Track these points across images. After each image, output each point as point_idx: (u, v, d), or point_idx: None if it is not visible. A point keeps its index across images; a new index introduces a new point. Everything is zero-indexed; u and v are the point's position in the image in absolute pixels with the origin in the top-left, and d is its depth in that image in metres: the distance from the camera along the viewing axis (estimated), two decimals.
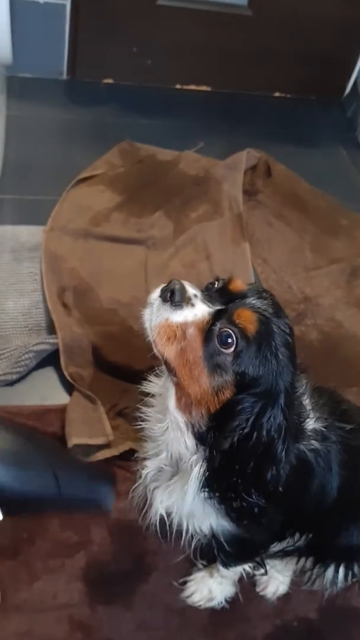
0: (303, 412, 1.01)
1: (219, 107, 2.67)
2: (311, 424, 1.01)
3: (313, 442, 1.01)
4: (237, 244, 2.06)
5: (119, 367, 1.58)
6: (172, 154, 2.33)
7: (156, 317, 0.87)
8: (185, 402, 0.91)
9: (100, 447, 1.43)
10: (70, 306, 1.69)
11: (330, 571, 1.24)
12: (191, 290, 0.88)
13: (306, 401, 1.03)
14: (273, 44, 2.64)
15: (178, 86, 2.70)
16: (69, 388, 1.55)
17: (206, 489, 0.95)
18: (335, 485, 1.06)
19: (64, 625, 1.21)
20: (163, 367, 0.93)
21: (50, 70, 2.55)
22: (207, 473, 0.93)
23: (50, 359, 1.60)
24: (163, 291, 0.87)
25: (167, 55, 2.58)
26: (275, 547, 1.17)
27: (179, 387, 0.91)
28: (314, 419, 1.02)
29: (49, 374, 1.60)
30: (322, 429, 1.02)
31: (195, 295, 0.88)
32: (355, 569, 1.25)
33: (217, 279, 0.94)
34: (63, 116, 2.45)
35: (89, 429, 1.44)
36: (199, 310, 0.87)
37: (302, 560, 1.26)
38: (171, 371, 0.90)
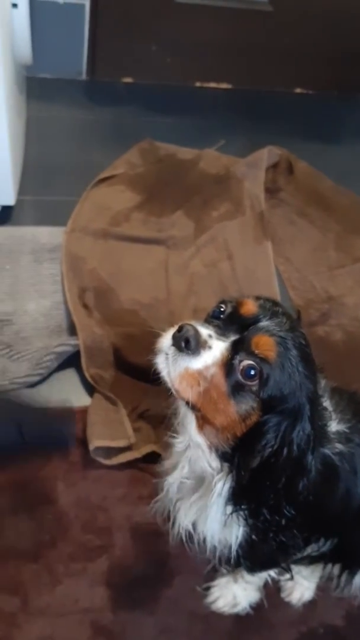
0: (326, 415, 0.98)
1: (239, 105, 2.65)
2: (334, 426, 0.99)
3: (337, 444, 0.98)
4: (259, 242, 2.03)
5: (140, 369, 1.56)
6: (193, 153, 2.31)
7: (174, 367, 0.82)
8: (209, 429, 0.88)
9: (121, 450, 1.42)
10: (90, 307, 1.68)
11: (358, 578, 1.22)
12: (205, 331, 0.84)
13: (327, 402, 1.00)
14: (294, 40, 2.62)
15: (198, 84, 2.69)
16: (90, 390, 1.54)
17: (232, 504, 0.93)
18: None
19: (86, 630, 1.20)
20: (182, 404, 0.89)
21: (69, 70, 2.56)
22: (234, 489, 0.91)
23: (72, 361, 1.58)
24: (176, 339, 0.82)
25: (187, 53, 2.57)
26: (301, 552, 1.14)
27: (202, 417, 0.88)
28: (337, 421, 1.00)
29: (70, 375, 1.59)
30: (346, 430, 1.00)
31: (210, 336, 0.84)
32: None
33: (224, 302, 0.90)
34: (83, 116, 2.45)
35: (111, 431, 1.42)
36: (217, 349, 0.84)
37: (329, 566, 1.23)
38: (194, 409, 0.87)
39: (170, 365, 0.82)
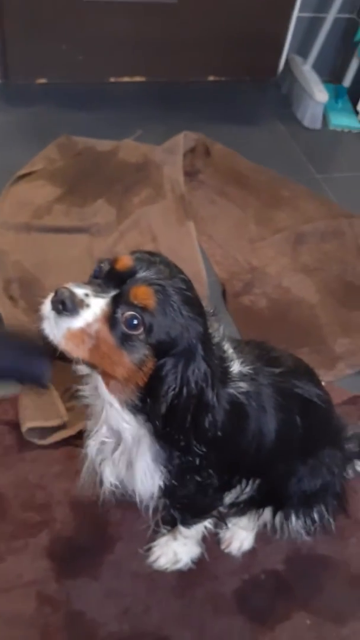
0: (225, 357, 1.02)
1: (154, 96, 2.71)
2: (237, 367, 1.03)
3: (241, 384, 1.02)
4: (182, 223, 2.09)
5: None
6: (111, 144, 2.36)
7: (57, 330, 0.86)
8: (114, 384, 0.92)
9: (55, 429, 1.45)
10: (16, 297, 1.70)
11: (291, 520, 1.27)
12: (80, 291, 0.86)
13: (226, 346, 1.04)
14: (201, 29, 2.69)
15: (112, 79, 2.73)
16: None
17: (149, 454, 0.97)
18: (272, 427, 1.08)
19: (32, 602, 1.22)
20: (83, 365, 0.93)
21: None
22: (149, 438, 0.96)
23: None
24: (54, 303, 0.85)
25: (98, 49, 2.61)
26: (228, 497, 1.19)
27: (104, 374, 0.92)
28: (240, 363, 1.04)
29: None
30: (250, 371, 1.04)
31: (87, 295, 0.86)
32: (314, 514, 1.28)
33: (102, 262, 0.93)
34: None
35: (43, 413, 1.45)
36: (96, 307, 0.86)
37: (262, 511, 1.28)
38: (92, 366, 0.91)
39: (54, 328, 0.86)
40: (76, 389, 1.53)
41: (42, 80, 2.64)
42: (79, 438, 1.46)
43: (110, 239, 1.96)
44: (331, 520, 1.28)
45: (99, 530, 1.34)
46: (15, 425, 1.46)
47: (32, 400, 1.48)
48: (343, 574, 1.36)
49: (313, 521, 1.28)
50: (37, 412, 1.45)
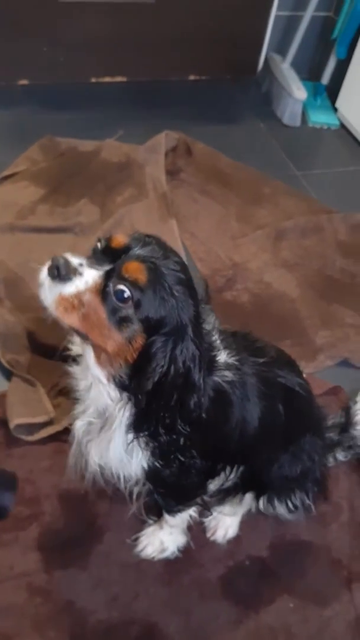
0: (214, 346, 1.06)
1: (136, 96, 2.74)
2: (223, 357, 1.07)
3: (227, 373, 1.06)
4: (165, 221, 2.13)
5: (54, 349, 1.62)
6: (93, 144, 2.38)
7: (50, 295, 0.90)
8: (104, 357, 0.95)
9: (43, 425, 1.48)
10: (1, 297, 1.73)
11: (274, 504, 1.32)
12: (75, 260, 0.91)
13: (215, 337, 1.08)
14: (181, 29, 2.72)
15: (93, 80, 2.76)
16: (8, 375, 1.59)
17: (132, 431, 0.99)
18: (255, 415, 1.12)
19: (23, 593, 1.25)
20: (76, 336, 0.97)
21: None
22: (134, 415, 0.98)
23: None
24: (49, 269, 0.90)
25: (78, 50, 2.64)
26: (212, 484, 1.23)
27: (95, 347, 0.95)
28: (226, 353, 1.08)
29: None
30: (235, 362, 1.08)
31: (81, 264, 0.91)
32: (295, 499, 1.32)
33: (99, 240, 0.97)
34: None
35: (30, 410, 1.48)
36: (89, 276, 0.91)
37: (244, 497, 1.32)
38: (83, 337, 0.94)
39: (47, 293, 0.90)
40: (63, 385, 1.58)
41: (24, 82, 2.66)
42: (66, 433, 1.49)
43: (94, 238, 1.98)
44: (312, 505, 1.33)
45: (87, 522, 1.37)
46: (3, 422, 1.49)
47: (19, 398, 1.51)
48: (325, 558, 1.40)
49: (295, 506, 1.33)
50: (25, 408, 1.48)
